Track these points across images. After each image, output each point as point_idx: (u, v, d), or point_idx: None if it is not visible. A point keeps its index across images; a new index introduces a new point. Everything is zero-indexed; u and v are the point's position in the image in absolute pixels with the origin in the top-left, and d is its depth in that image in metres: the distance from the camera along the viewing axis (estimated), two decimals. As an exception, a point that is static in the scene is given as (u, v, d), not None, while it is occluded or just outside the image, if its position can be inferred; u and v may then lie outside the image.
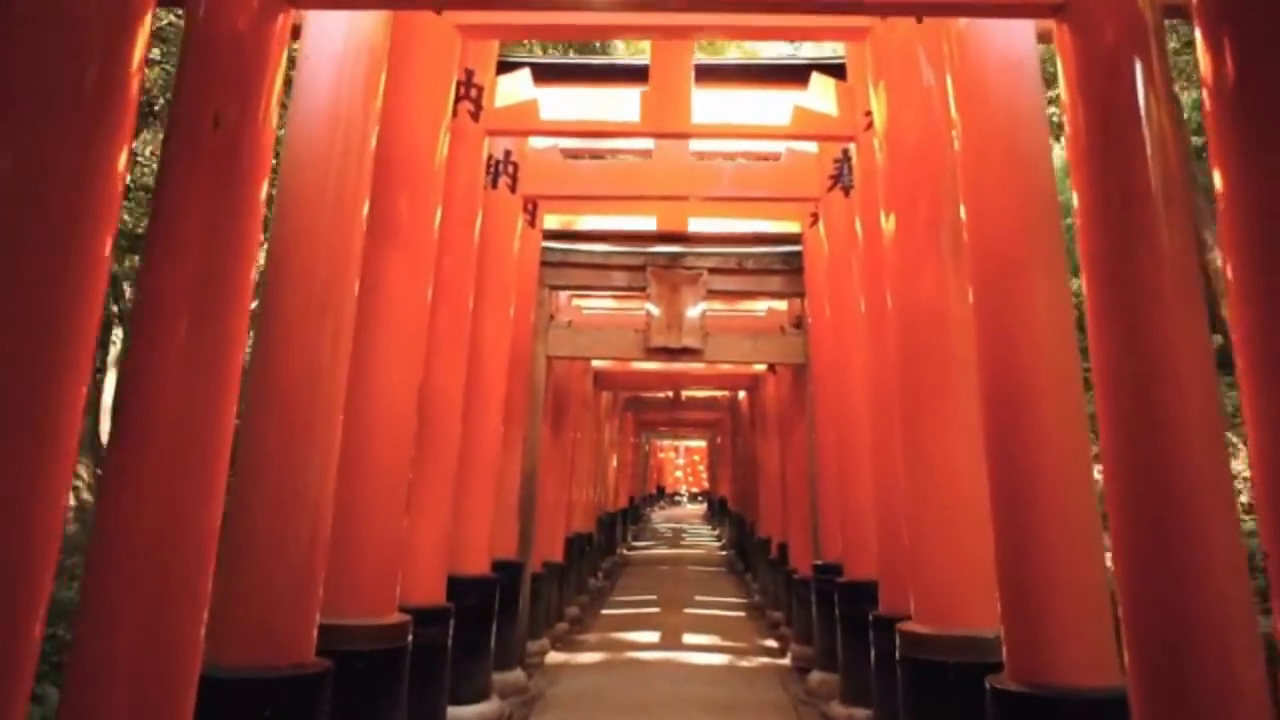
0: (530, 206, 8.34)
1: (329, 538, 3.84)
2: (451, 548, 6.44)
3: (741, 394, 17.53)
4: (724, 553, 22.19)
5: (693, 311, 9.16)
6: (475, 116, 6.21)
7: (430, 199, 5.02)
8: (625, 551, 22.08)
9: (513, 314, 7.50)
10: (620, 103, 6.53)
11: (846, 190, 7.26)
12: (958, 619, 4.38)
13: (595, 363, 13.30)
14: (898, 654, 4.50)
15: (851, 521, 6.71)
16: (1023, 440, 3.63)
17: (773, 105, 6.58)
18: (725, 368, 13.50)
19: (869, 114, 6.06)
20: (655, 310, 9.16)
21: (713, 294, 9.29)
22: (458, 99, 6.06)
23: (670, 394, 21.61)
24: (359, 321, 4.25)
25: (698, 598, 13.86)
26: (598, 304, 11.01)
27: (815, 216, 8.34)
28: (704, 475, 45.16)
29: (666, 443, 43.95)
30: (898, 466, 4.88)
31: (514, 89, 6.64)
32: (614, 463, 20.29)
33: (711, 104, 6.45)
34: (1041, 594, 3.49)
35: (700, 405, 22.61)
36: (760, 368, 13.14)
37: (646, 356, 9.14)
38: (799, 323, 9.54)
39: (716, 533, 28.22)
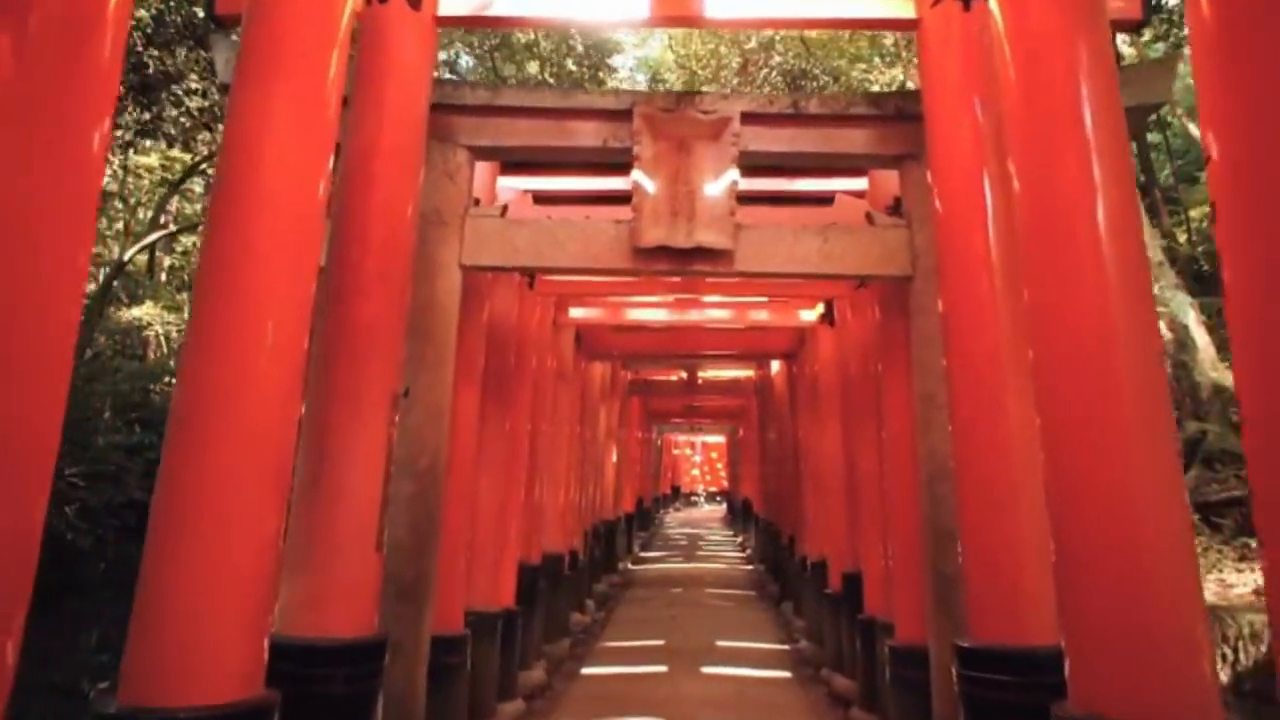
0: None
1: None
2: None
3: (776, 365, 13.56)
4: (749, 568, 18.25)
5: (713, 187, 5.24)
6: None
7: None
8: (630, 566, 18.19)
9: (331, 166, 3.65)
10: None
11: None
12: None
13: (574, 313, 9.38)
14: None
15: (1116, 585, 2.77)
16: None
17: None
18: (760, 319, 9.54)
19: None
20: (649, 184, 5.25)
21: (747, 163, 5.35)
22: None
23: (683, 375, 17.80)
24: None
25: (721, 643, 9.93)
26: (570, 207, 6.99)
27: (946, -20, 4.42)
28: (723, 473, 41.33)
29: (682, 438, 40.20)
30: None
31: None
32: (614, 458, 16.37)
33: None
34: None
35: (720, 389, 18.77)
36: (810, 317, 9.18)
37: (635, 264, 5.22)
38: (897, 207, 5.61)
39: (739, 540, 24.29)
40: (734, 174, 5.24)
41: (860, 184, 6.63)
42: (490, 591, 6.64)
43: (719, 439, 39.02)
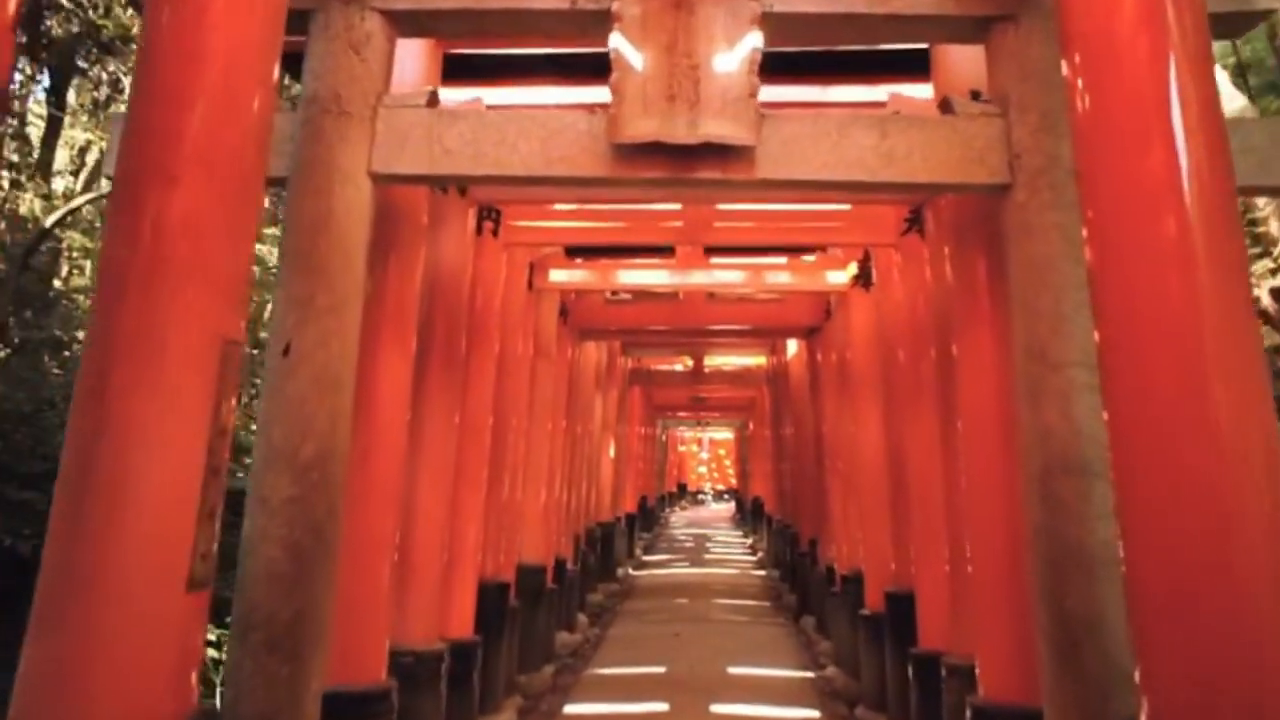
0: None
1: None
2: None
3: (793, 348, 12.02)
4: (761, 573, 16.71)
5: (725, 59, 3.69)
6: None
7: None
8: (632, 571, 16.64)
9: None
10: None
11: None
12: None
13: (555, 276, 7.82)
14: None
15: None
16: None
17: None
18: (779, 282, 7.98)
19: None
20: (636, 57, 3.70)
21: (773, 33, 3.78)
22: None
23: (688, 362, 16.31)
24: None
25: (733, 670, 8.40)
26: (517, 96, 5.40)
27: None
28: (731, 470, 39.79)
29: (688, 433, 38.72)
30: None
31: None
32: (611, 453, 14.83)
33: None
34: None
35: (728, 379, 17.31)
36: (840, 280, 7.63)
37: (615, 168, 3.68)
38: (976, 97, 4.03)
39: (749, 542, 22.75)
40: (755, 39, 3.69)
41: (919, 90, 5.08)
42: (434, 621, 5.11)
43: (727, 435, 37.56)
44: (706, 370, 16.67)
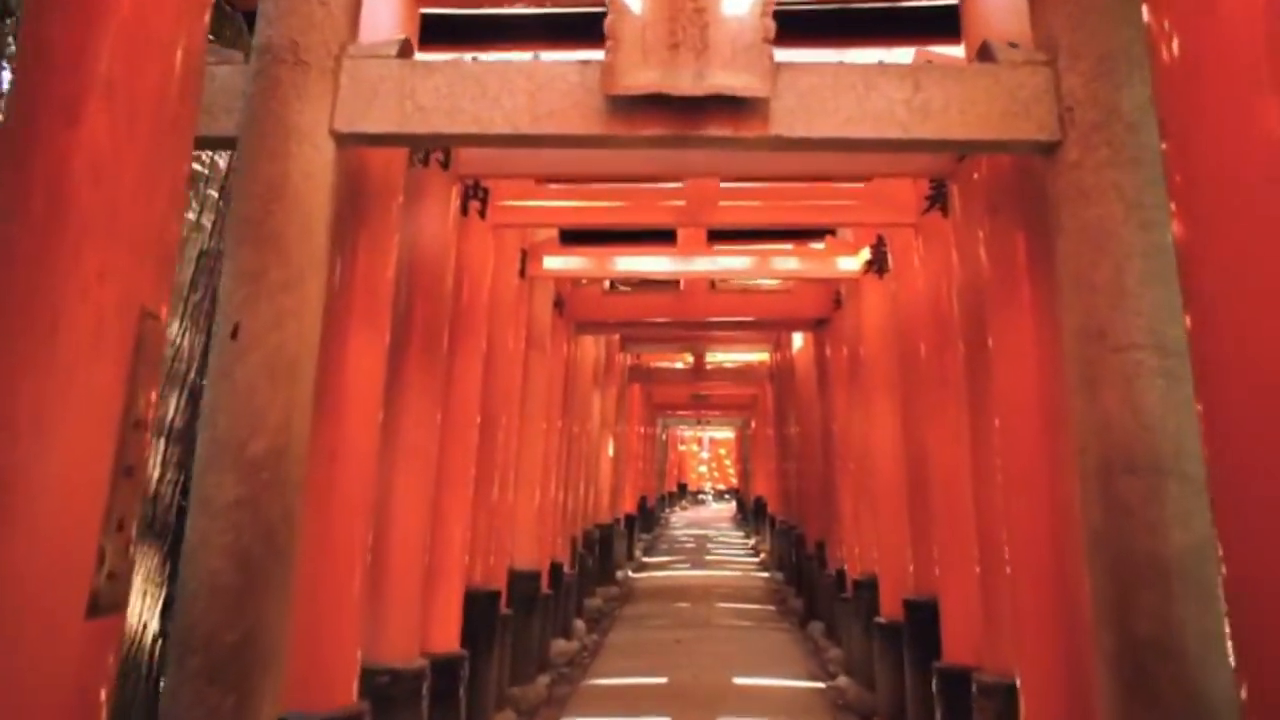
0: None
1: None
2: None
3: (798, 342, 11.57)
4: (765, 575, 16.26)
5: (734, 2, 3.24)
6: None
7: None
8: (632, 574, 16.18)
9: None
10: None
11: None
12: None
13: (549, 263, 7.36)
14: None
15: None
16: None
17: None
18: (786, 268, 7.52)
19: None
20: (634, 1, 3.25)
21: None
22: None
23: (689, 359, 15.89)
24: None
25: (739, 680, 7.95)
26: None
27: None
28: (731, 470, 39.37)
29: (689, 433, 38.28)
30: None
31: None
32: (610, 452, 14.38)
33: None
34: None
35: (730, 376, 16.89)
36: (852, 266, 7.18)
37: (611, 124, 3.23)
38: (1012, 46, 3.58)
39: (751, 543, 22.31)
40: (769, -22, 3.24)
41: (947, 52, 4.65)
42: (415, 635, 4.66)
43: (727, 434, 37.17)
44: (708, 367, 16.25)
